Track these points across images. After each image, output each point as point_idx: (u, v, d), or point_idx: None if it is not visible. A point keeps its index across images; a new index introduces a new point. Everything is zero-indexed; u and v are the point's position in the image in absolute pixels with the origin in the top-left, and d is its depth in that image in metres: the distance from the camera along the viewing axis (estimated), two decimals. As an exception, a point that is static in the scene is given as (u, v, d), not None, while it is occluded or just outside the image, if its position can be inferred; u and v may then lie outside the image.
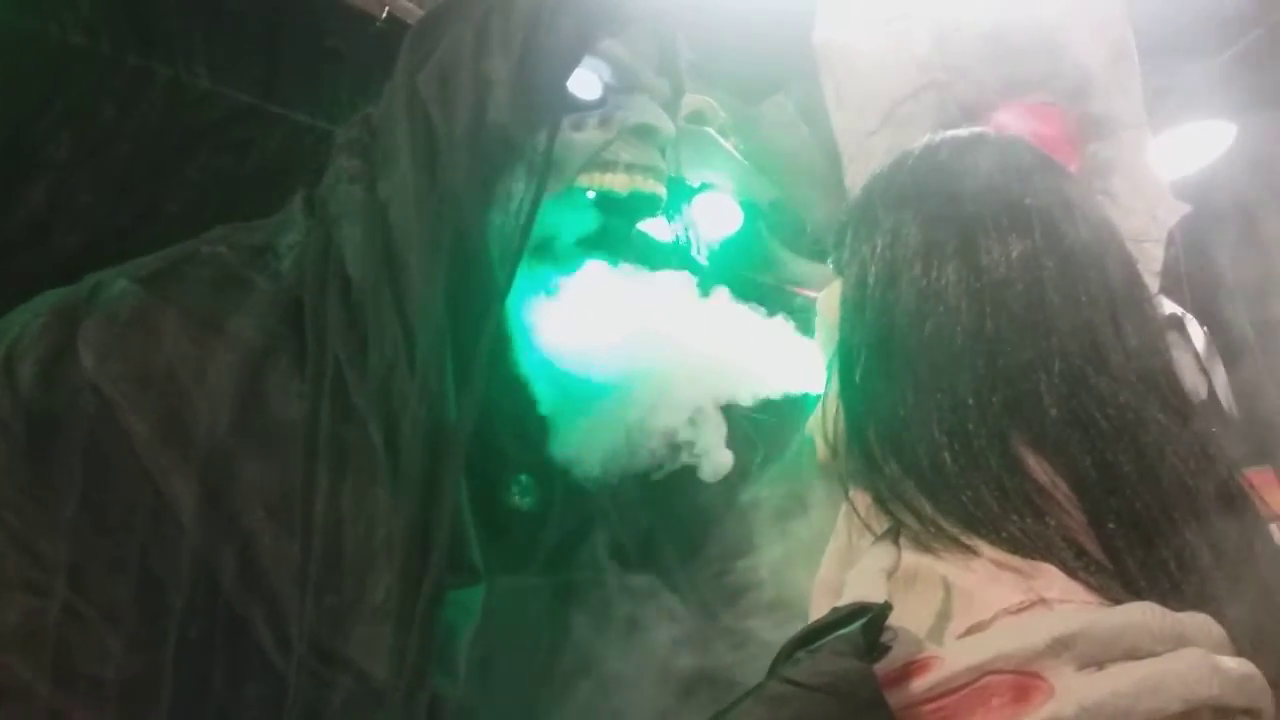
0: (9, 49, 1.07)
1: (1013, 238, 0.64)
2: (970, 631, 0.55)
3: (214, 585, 0.65)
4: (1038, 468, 0.61)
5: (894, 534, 0.63)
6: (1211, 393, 0.78)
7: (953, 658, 0.52)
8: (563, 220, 0.81)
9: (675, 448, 0.79)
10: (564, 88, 0.78)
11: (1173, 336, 0.76)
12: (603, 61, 0.81)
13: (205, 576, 0.65)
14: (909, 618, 0.57)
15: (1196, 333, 1.26)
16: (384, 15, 1.22)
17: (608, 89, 0.82)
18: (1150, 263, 1.23)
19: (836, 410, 0.68)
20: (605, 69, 0.82)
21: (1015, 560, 0.58)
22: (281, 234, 0.80)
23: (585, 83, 0.81)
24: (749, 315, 0.81)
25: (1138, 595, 0.56)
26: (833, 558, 0.70)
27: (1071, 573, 0.57)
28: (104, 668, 0.62)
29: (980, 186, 0.67)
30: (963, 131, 0.73)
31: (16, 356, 0.69)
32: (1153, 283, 1.05)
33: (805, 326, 0.81)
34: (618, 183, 0.81)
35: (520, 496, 0.69)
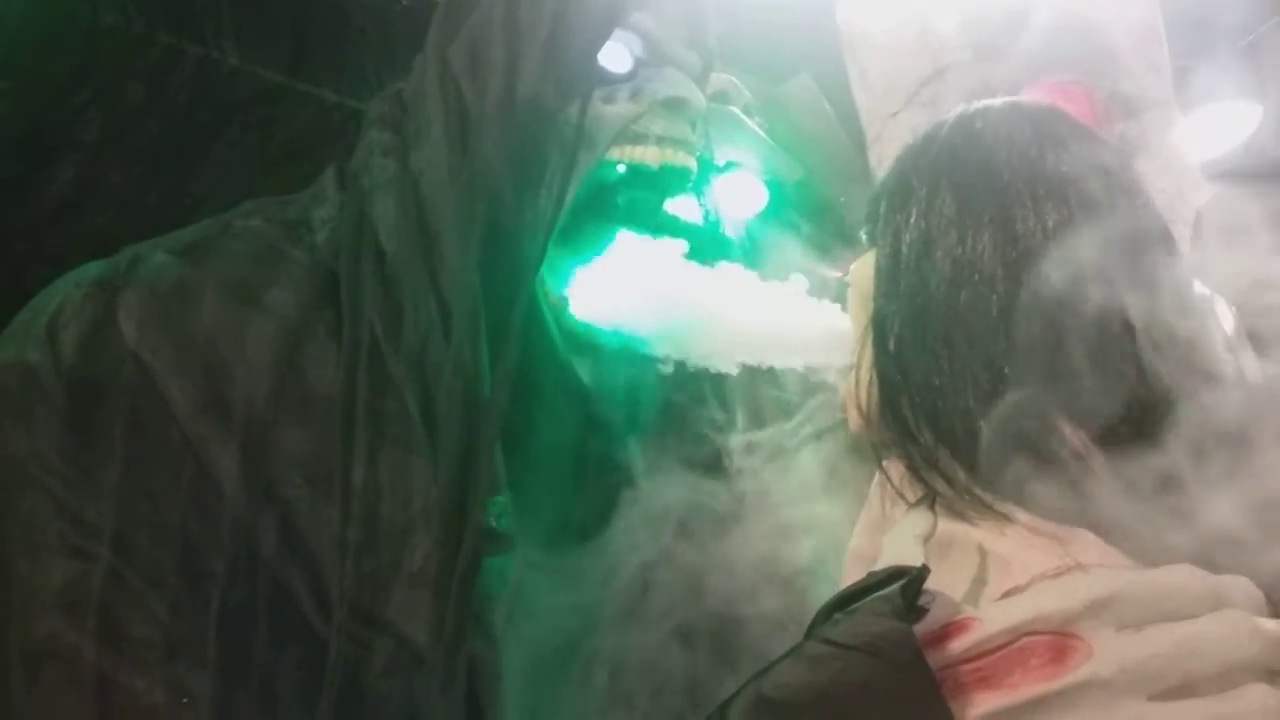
0: (42, 28, 1.08)
1: (1048, 206, 0.64)
2: (1007, 596, 0.56)
3: (255, 551, 0.66)
4: (1074, 436, 0.61)
5: (929, 501, 0.64)
6: (1240, 374, 0.78)
7: (991, 619, 0.52)
8: (594, 193, 0.81)
9: (708, 417, 0.79)
10: (595, 60, 0.78)
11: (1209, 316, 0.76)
12: (633, 34, 0.82)
13: (246, 543, 0.66)
14: (944, 584, 0.57)
15: (1225, 314, 1.26)
16: (410, -7, 1.22)
17: (638, 62, 0.82)
18: (1179, 243, 1.22)
19: (870, 380, 0.68)
20: (636, 42, 0.82)
21: (1051, 526, 0.59)
22: (315, 207, 0.80)
23: (616, 55, 0.81)
24: (782, 287, 0.81)
25: (1174, 560, 0.56)
26: (865, 527, 0.70)
27: (1107, 538, 0.57)
28: (149, 631, 0.63)
29: (1015, 155, 0.67)
30: (997, 101, 0.72)
31: (59, 326, 0.69)
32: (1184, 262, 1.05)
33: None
34: (649, 156, 0.81)
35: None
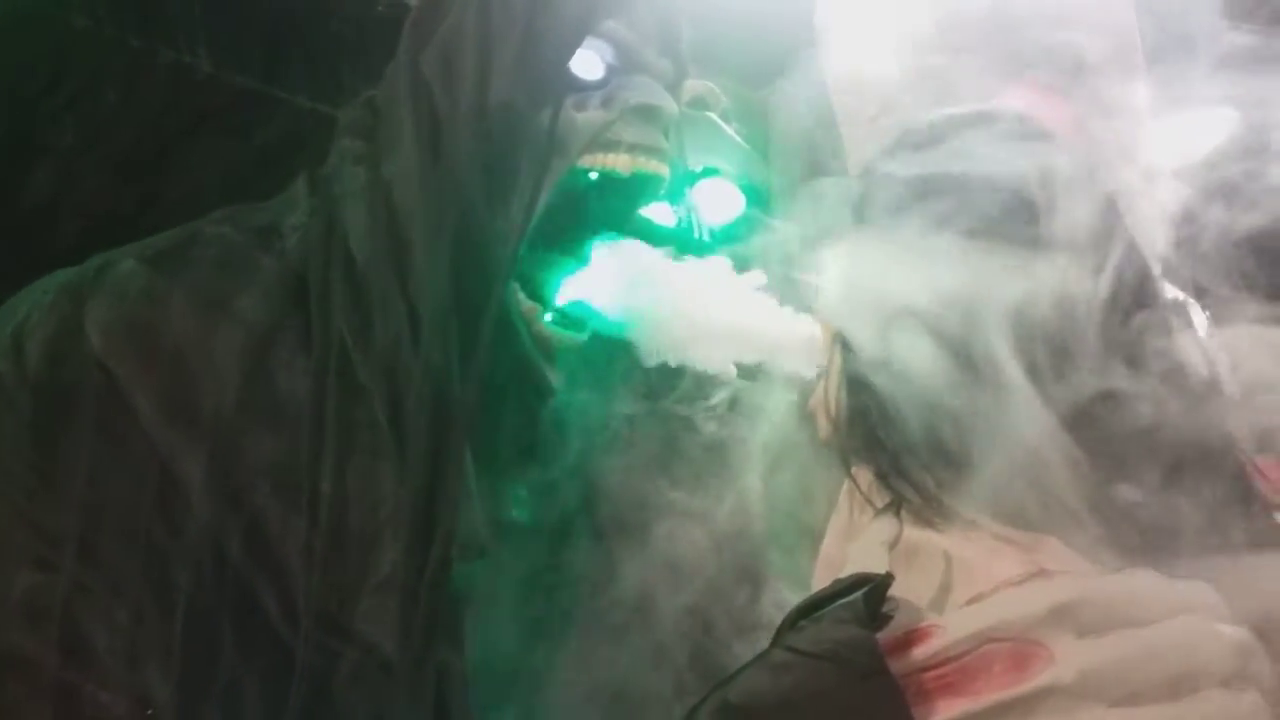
0: (13, 32, 1.07)
1: (1013, 214, 0.65)
2: (971, 603, 0.56)
3: (221, 560, 0.66)
4: (1039, 437, 0.61)
5: (895, 508, 0.64)
6: (1214, 377, 0.79)
7: (954, 626, 0.53)
8: (566, 200, 0.81)
9: (680, 418, 0.80)
10: (567, 67, 0.78)
11: (1175, 320, 0.77)
12: (605, 42, 0.82)
13: (213, 551, 0.66)
14: (911, 590, 0.58)
15: (1199, 317, 1.27)
16: (385, -1, 1.22)
17: (610, 69, 0.82)
18: (1151, 247, 1.23)
19: (839, 387, 0.68)
20: (607, 49, 0.82)
21: (1016, 533, 0.59)
22: (286, 214, 0.80)
23: (588, 63, 0.81)
24: (754, 291, 0.82)
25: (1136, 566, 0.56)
26: (834, 534, 0.70)
27: (1071, 544, 0.58)
28: (113, 641, 0.63)
29: (981, 164, 0.67)
30: (965, 108, 0.73)
31: (25, 335, 0.69)
32: (1155, 267, 1.06)
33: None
34: (620, 163, 0.81)
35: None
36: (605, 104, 0.81)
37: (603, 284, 0.82)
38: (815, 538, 0.71)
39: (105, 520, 0.65)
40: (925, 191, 0.65)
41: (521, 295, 0.79)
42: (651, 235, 0.89)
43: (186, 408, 0.68)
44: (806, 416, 0.74)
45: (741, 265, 0.87)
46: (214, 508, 0.66)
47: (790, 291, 0.85)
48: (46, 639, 0.62)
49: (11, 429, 0.67)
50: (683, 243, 0.92)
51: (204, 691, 0.64)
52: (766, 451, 0.80)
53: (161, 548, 0.65)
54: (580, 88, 0.80)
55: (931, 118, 0.72)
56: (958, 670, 0.51)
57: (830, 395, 0.69)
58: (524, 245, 0.74)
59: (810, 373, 0.76)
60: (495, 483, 0.76)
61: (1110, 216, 0.65)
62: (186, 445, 0.67)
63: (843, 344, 0.68)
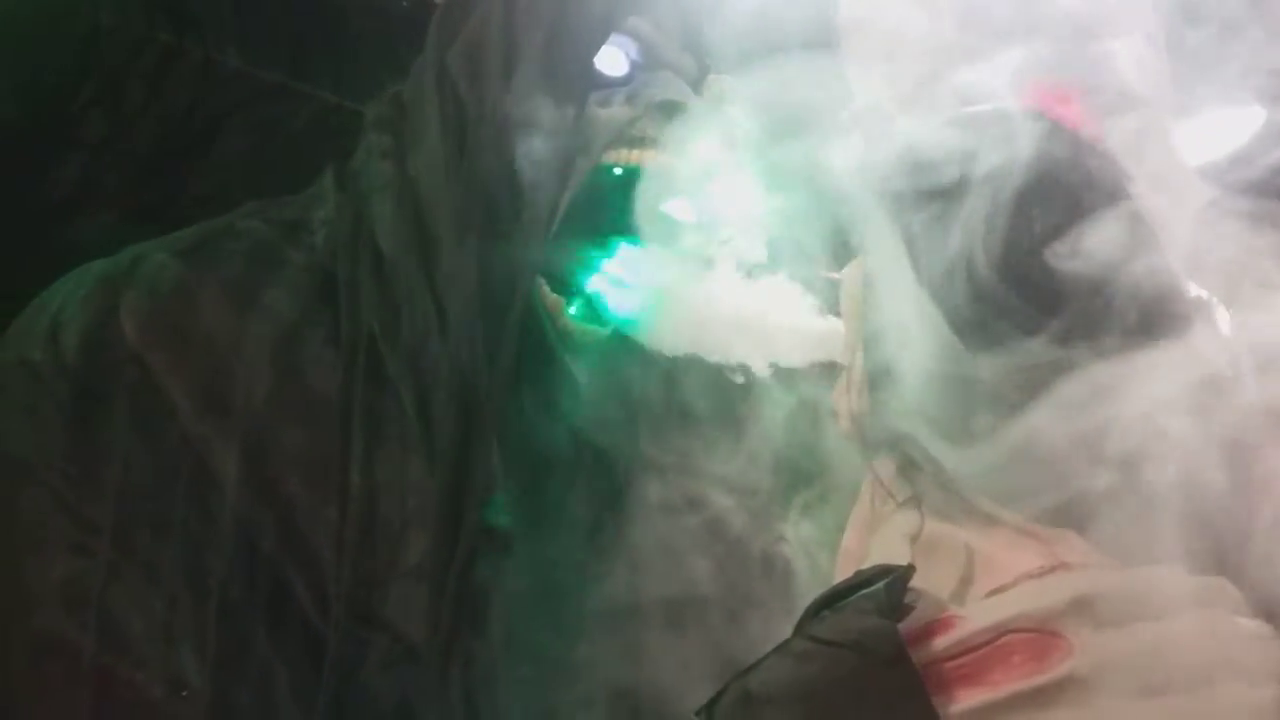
0: (41, 29, 1.09)
1: (1034, 213, 0.65)
2: (992, 595, 0.57)
3: (254, 549, 0.67)
4: (1059, 438, 0.62)
5: (917, 501, 0.65)
6: (1237, 376, 0.79)
7: (974, 617, 0.53)
8: (589, 196, 0.82)
9: (708, 414, 0.81)
10: (592, 64, 0.79)
11: (1198, 320, 0.77)
12: (629, 38, 0.82)
13: (245, 540, 0.67)
14: (931, 583, 0.58)
15: (1222, 316, 1.26)
16: (410, -5, 1.23)
17: (634, 66, 0.83)
18: (1175, 246, 1.22)
19: (861, 381, 0.69)
20: (631, 46, 0.83)
21: (1036, 527, 0.60)
22: (314, 209, 0.81)
23: (612, 59, 0.82)
24: (777, 286, 0.82)
25: (1156, 560, 0.57)
26: (856, 527, 0.71)
27: (1091, 538, 0.58)
28: (148, 627, 0.64)
29: (1002, 162, 0.67)
30: (984, 107, 0.73)
31: (60, 325, 0.70)
32: (1178, 266, 1.06)
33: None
34: (644, 159, 0.82)
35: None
36: (629, 100, 0.81)
37: (624, 279, 0.82)
38: (836, 529, 0.72)
39: (140, 508, 0.66)
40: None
41: (546, 289, 0.80)
42: (672, 231, 0.90)
43: (219, 400, 0.69)
44: (827, 410, 0.75)
45: (761, 259, 0.88)
46: (247, 498, 0.67)
47: (812, 285, 0.86)
48: (84, 623, 0.64)
49: (48, 417, 0.68)
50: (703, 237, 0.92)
51: (237, 676, 0.65)
52: (786, 444, 0.81)
53: (195, 536, 0.66)
54: (605, 84, 0.81)
55: (950, 116, 0.73)
56: (978, 661, 0.52)
57: (852, 389, 0.70)
58: (548, 240, 0.75)
59: (831, 365, 0.76)
60: (519, 471, 0.77)
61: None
62: (220, 436, 0.68)
63: (864, 339, 0.69)
